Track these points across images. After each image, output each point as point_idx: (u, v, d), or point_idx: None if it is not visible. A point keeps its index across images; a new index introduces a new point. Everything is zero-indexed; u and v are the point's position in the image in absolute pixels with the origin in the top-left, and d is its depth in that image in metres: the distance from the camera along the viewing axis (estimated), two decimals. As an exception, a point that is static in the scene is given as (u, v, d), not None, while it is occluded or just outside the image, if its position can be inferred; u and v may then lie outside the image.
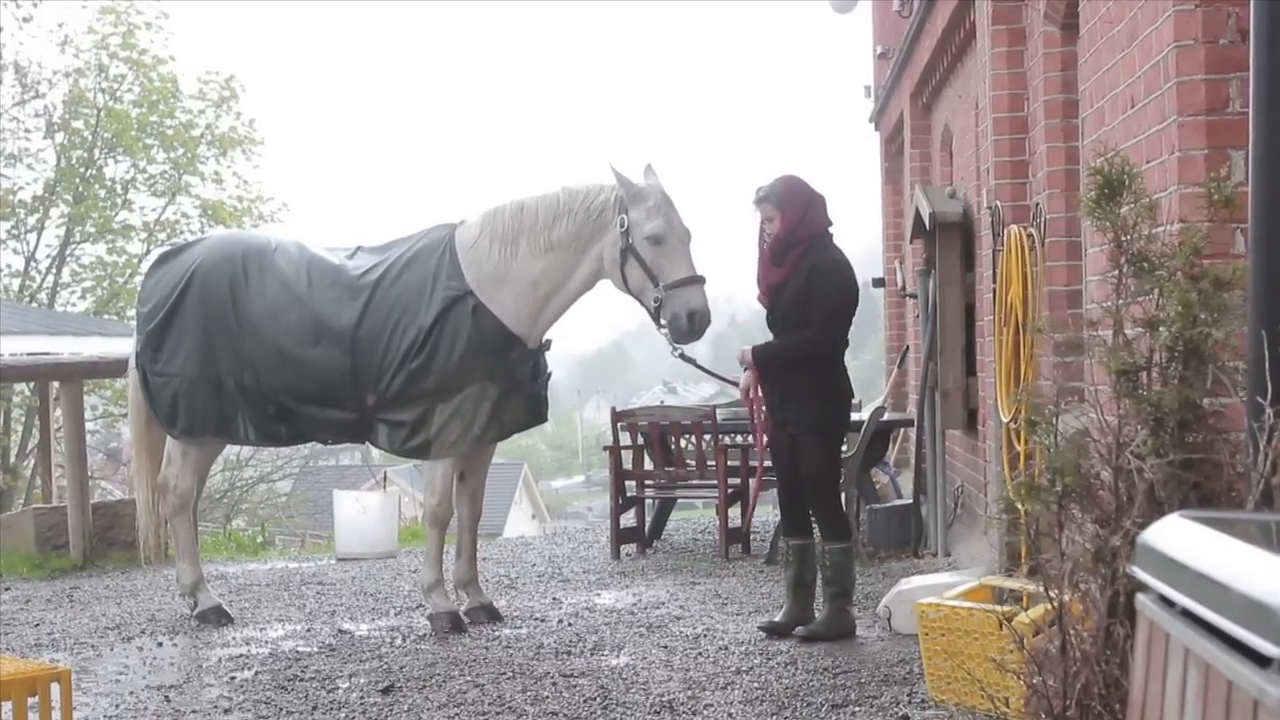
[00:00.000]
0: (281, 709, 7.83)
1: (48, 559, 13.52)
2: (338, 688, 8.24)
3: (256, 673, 8.72)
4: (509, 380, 9.66)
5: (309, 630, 10.00)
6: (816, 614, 9.22)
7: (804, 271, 9.04)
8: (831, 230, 9.22)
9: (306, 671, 8.67)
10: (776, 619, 9.36)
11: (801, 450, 9.13)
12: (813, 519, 9.31)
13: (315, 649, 9.36)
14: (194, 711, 7.85)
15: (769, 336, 9.24)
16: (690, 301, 9.43)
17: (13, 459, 30.72)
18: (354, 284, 9.80)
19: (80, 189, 32.62)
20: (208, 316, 9.99)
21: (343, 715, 7.64)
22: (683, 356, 9.81)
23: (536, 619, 10.09)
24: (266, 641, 9.68)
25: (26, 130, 33.39)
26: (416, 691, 8.03)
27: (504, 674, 8.39)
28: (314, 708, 7.82)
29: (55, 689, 6.80)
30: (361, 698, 7.96)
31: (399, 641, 9.48)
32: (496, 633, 9.62)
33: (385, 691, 8.03)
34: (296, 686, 8.31)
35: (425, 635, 9.63)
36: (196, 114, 33.45)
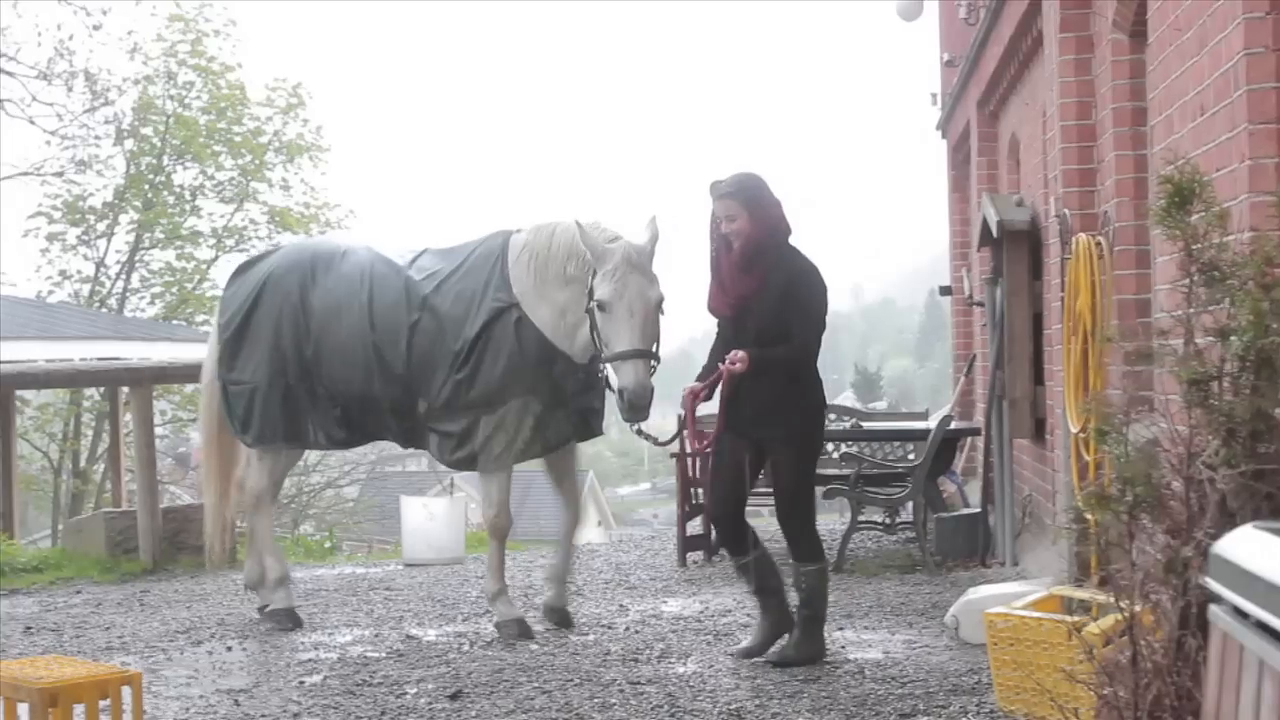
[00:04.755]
0: (350, 714, 7.87)
1: (118, 563, 13.62)
2: (406, 693, 8.28)
3: (325, 677, 8.76)
4: (553, 395, 9.62)
5: (377, 635, 10.04)
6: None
7: (779, 281, 8.53)
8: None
9: (375, 677, 8.71)
10: (746, 643, 9.03)
11: (780, 466, 8.65)
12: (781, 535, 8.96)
13: (383, 654, 9.40)
14: (263, 716, 7.90)
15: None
16: (623, 378, 8.95)
17: (83, 463, 30.98)
18: (412, 290, 9.83)
19: (149, 195, 32.88)
20: (277, 323, 10.07)
21: (411, 720, 7.70)
22: (639, 432, 9.39)
23: (603, 626, 10.11)
24: (335, 646, 9.74)
25: (96, 137, 33.65)
26: (484, 697, 8.06)
27: (571, 681, 8.41)
28: (382, 713, 7.85)
29: (126, 692, 6.87)
30: (430, 703, 7.99)
31: (466, 647, 9.51)
32: (563, 639, 9.64)
33: (453, 697, 8.06)
34: (365, 691, 8.35)
35: (492, 641, 9.66)
36: (264, 121, 33.68)
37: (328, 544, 18.65)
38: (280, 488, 11.23)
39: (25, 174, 35.16)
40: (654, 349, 9.04)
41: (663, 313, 9.12)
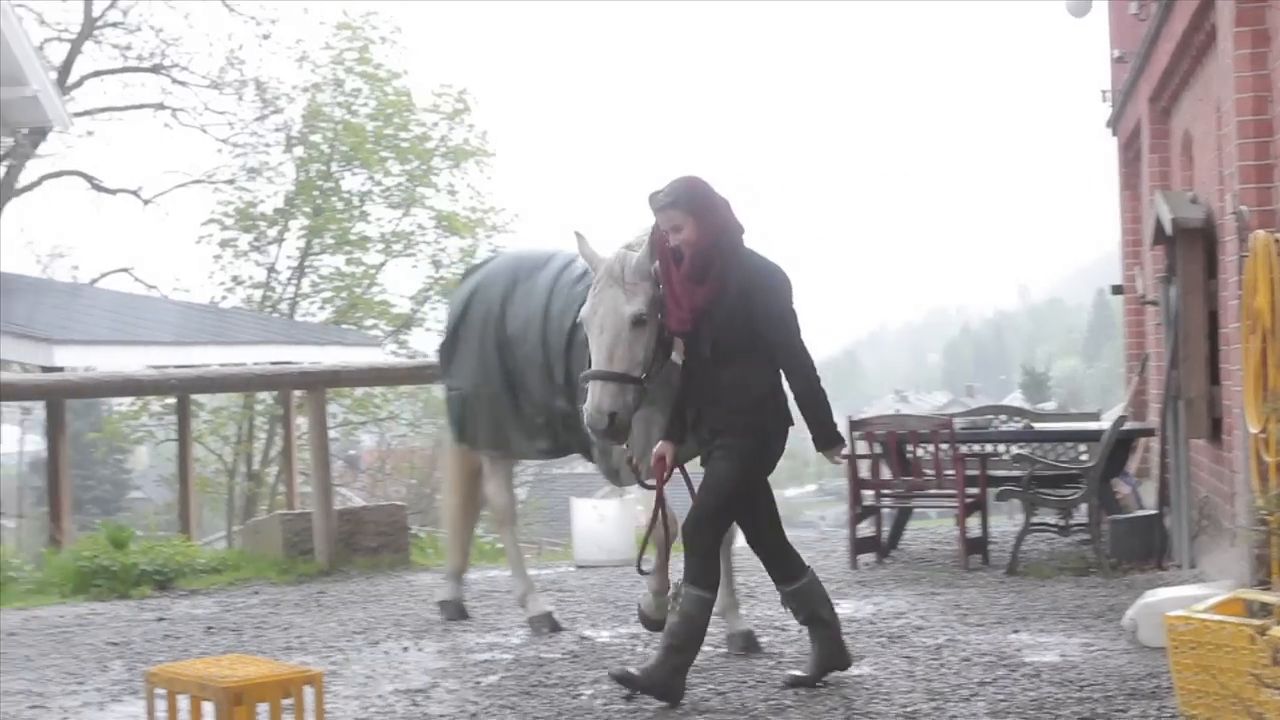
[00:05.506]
0: (526, 714, 7.94)
1: (294, 564, 13.83)
2: (581, 694, 8.34)
3: (501, 678, 8.85)
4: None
5: (551, 637, 10.10)
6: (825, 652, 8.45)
7: (735, 285, 8.00)
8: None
9: (550, 677, 8.78)
10: (799, 672, 8.50)
11: (714, 464, 8.14)
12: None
13: (558, 655, 9.46)
14: (441, 716, 8.00)
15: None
16: (587, 399, 8.32)
17: (256, 465, 31.51)
18: (574, 302, 9.69)
19: (319, 201, 33.36)
20: (482, 331, 10.13)
21: (587, 721, 7.75)
22: (629, 462, 8.90)
23: (776, 628, 10.09)
24: (510, 647, 9.82)
25: (267, 144, 34.28)
26: (659, 698, 8.08)
27: (745, 682, 8.42)
28: (558, 714, 7.92)
29: (308, 692, 6.99)
30: (605, 704, 8.05)
31: (640, 648, 9.55)
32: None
33: (628, 698, 8.09)
34: (540, 692, 8.42)
35: (665, 643, 9.67)
36: (430, 126, 34.04)
37: (500, 545, 18.76)
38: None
39: (198, 181, 35.88)
40: (632, 370, 8.24)
41: (639, 325, 8.23)
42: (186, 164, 54.88)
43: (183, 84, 36.40)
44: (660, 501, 8.57)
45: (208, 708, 6.91)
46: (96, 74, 37.12)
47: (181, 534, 17.00)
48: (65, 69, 35.89)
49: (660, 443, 8.37)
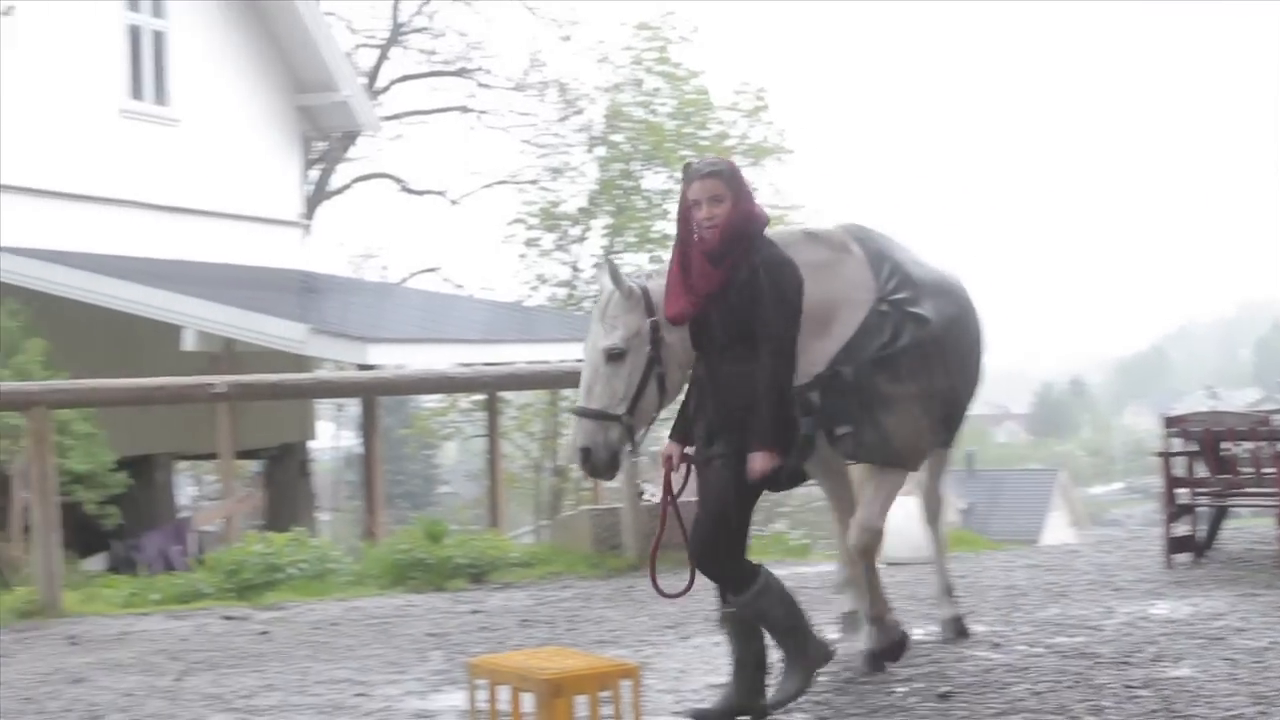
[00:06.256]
0: (839, 711, 7.93)
1: (603, 558, 14.00)
2: (894, 691, 8.29)
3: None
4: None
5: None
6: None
7: (748, 269, 7.52)
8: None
9: (861, 675, 8.74)
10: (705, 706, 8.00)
11: (713, 474, 7.67)
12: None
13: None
14: (755, 711, 8.03)
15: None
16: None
17: (562, 461, 31.98)
18: None
19: (620, 200, 33.72)
20: None
21: (900, 719, 7.70)
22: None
23: (1090, 627, 9.93)
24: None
25: (568, 145, 34.78)
26: (974, 696, 8.02)
27: (1061, 682, 8.29)
28: (872, 711, 7.89)
29: (625, 685, 7.07)
30: (919, 702, 8.00)
31: (952, 647, 9.47)
32: (1052, 640, 9.50)
33: (943, 697, 8.04)
34: (852, 689, 8.40)
35: (979, 641, 9.60)
36: (729, 124, 34.20)
37: (805, 541, 18.80)
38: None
39: (502, 182, 36.58)
40: (612, 406, 7.93)
41: (615, 359, 7.93)
42: (490, 165, 56.08)
43: (487, 87, 37.20)
44: (666, 506, 8.02)
45: (527, 699, 7.04)
46: (404, 79, 38.11)
47: (492, 528, 17.34)
48: (373, 74, 36.95)
49: (667, 443, 7.97)
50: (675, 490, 7.97)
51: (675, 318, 7.74)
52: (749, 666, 7.79)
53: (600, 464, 8.02)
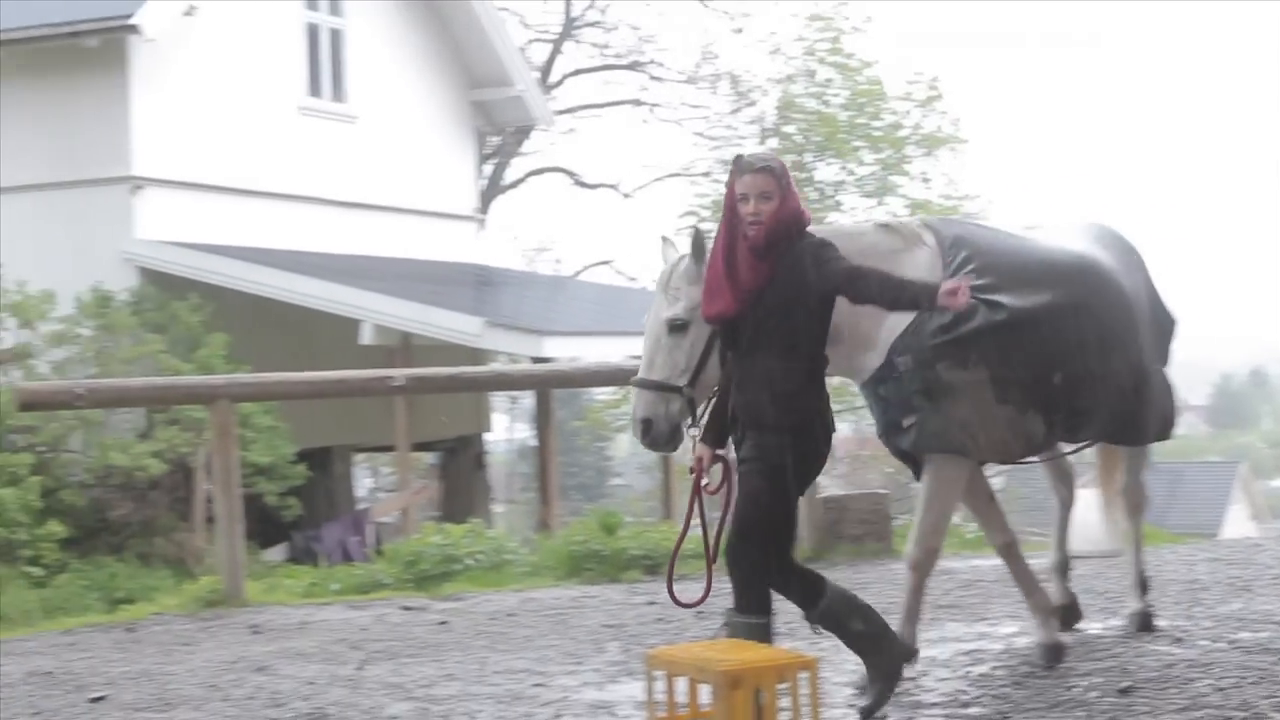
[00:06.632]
0: (1018, 704, 7.87)
1: (778, 551, 13.97)
2: (1074, 685, 8.20)
3: (992, 668, 8.79)
4: None
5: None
6: None
7: (786, 265, 7.30)
8: None
9: (1040, 668, 8.66)
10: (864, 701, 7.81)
11: (747, 477, 7.45)
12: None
13: (1049, 646, 9.34)
14: (933, 704, 8.00)
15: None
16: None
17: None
18: None
19: (794, 191, 33.69)
20: None
21: (1080, 714, 7.61)
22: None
23: (1275, 623, 9.73)
24: (999, 637, 9.74)
25: (741, 137, 34.79)
26: (1155, 691, 7.92)
27: (1247, 679, 8.14)
28: (1051, 705, 7.82)
29: (803, 677, 7.06)
30: (1099, 697, 7.89)
31: (1133, 641, 9.35)
32: (1235, 636, 9.34)
33: (1123, 692, 7.94)
34: (1031, 683, 8.32)
35: (1160, 636, 9.45)
36: (902, 115, 34.01)
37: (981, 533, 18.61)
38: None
39: (675, 175, 36.66)
40: (673, 378, 7.85)
41: (677, 330, 7.82)
42: (663, 158, 56.23)
43: (659, 80, 37.30)
44: (691, 511, 7.85)
45: (704, 691, 7.05)
46: (576, 73, 38.33)
47: (665, 520, 17.39)
48: (546, 69, 37.20)
49: (698, 445, 7.71)
50: (715, 492, 7.74)
51: (713, 318, 7.52)
52: (865, 639, 7.71)
53: (661, 436, 7.90)
